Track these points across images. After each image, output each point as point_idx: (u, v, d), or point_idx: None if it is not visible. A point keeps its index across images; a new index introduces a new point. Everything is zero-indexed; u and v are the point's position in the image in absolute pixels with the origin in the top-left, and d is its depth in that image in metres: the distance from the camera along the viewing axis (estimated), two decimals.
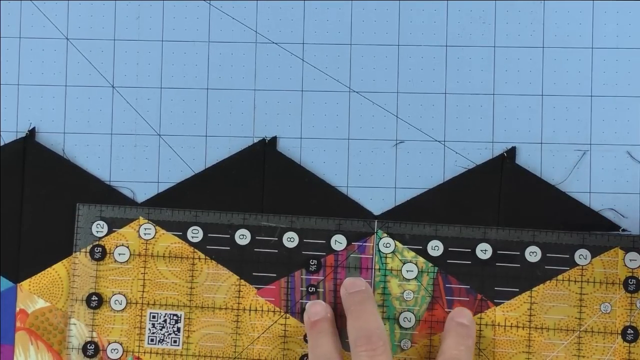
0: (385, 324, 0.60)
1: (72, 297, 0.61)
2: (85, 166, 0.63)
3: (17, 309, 0.62)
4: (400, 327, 0.60)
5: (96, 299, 0.61)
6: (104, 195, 0.62)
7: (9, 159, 0.62)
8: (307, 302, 0.61)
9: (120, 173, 0.62)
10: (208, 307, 0.61)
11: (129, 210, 0.62)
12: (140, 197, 0.62)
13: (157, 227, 0.62)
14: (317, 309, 0.60)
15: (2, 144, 0.63)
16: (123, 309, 0.61)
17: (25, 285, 0.62)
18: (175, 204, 0.62)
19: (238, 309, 0.61)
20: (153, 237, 0.61)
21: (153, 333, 0.61)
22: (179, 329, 0.61)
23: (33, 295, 0.62)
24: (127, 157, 0.62)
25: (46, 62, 0.63)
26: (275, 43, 0.62)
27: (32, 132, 0.62)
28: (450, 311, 0.60)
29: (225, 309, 0.61)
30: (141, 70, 0.63)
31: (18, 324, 0.62)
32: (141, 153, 0.62)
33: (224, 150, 0.62)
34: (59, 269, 0.62)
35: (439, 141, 0.61)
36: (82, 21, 0.63)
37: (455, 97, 0.61)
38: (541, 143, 0.61)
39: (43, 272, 0.62)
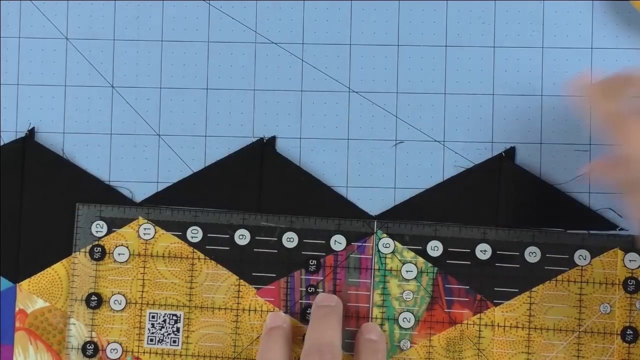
0: (384, 324, 0.60)
1: (72, 297, 0.61)
2: (84, 166, 0.63)
3: (17, 309, 0.62)
4: (400, 327, 0.60)
5: (95, 299, 0.61)
6: (104, 195, 0.62)
7: (8, 159, 0.62)
8: (269, 313, 0.61)
9: (120, 173, 0.62)
10: (207, 307, 0.61)
11: (128, 210, 0.62)
12: (140, 197, 0.62)
13: (157, 227, 0.62)
14: (276, 318, 0.60)
15: (1, 144, 0.63)
16: (122, 309, 0.61)
17: (24, 285, 0.62)
18: (172, 203, 0.62)
19: (237, 309, 0.61)
20: (152, 237, 0.61)
21: (152, 333, 0.61)
22: (178, 329, 0.61)
23: (32, 295, 0.62)
24: (126, 157, 0.62)
25: (46, 62, 0.63)
26: (275, 43, 0.62)
27: (31, 132, 0.62)
28: (450, 312, 0.60)
29: (225, 309, 0.61)
30: (141, 70, 0.63)
31: (17, 324, 0.62)
32: (140, 153, 0.62)
33: (223, 150, 0.62)
34: (58, 269, 0.62)
35: (438, 141, 0.61)
36: (82, 21, 0.63)
37: (455, 97, 0.61)
38: (541, 143, 0.61)
39: (42, 272, 0.62)
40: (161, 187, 0.62)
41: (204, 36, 0.63)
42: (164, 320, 0.61)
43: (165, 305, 0.61)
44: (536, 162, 0.61)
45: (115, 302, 0.61)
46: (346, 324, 0.60)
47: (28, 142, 0.62)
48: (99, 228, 0.62)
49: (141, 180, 0.62)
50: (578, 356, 0.60)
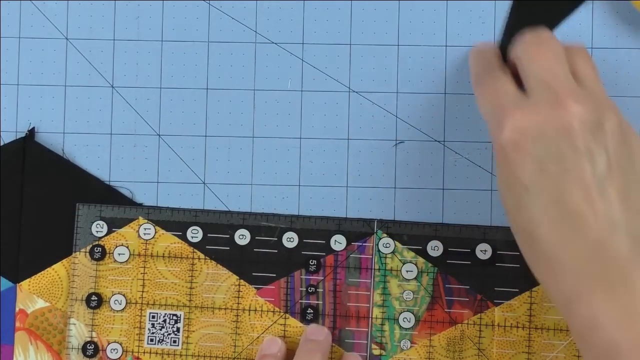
0: (385, 324, 0.60)
1: (72, 297, 0.61)
2: (85, 166, 0.63)
3: (17, 309, 0.62)
4: (400, 327, 0.60)
5: (96, 299, 0.61)
6: (104, 195, 0.62)
7: (8, 159, 0.62)
8: (265, 337, 0.60)
9: (120, 173, 0.62)
10: (207, 307, 0.61)
11: (128, 210, 0.62)
12: (140, 197, 0.62)
13: (157, 227, 0.62)
14: (271, 345, 0.59)
15: (1, 144, 0.63)
16: (123, 309, 0.61)
17: (24, 285, 0.62)
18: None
19: (237, 309, 0.61)
20: (153, 237, 0.61)
21: (152, 333, 0.61)
22: (178, 329, 0.61)
23: (33, 295, 0.62)
24: (126, 157, 0.62)
25: (46, 62, 0.63)
26: (275, 43, 0.62)
27: (31, 132, 0.62)
28: (450, 311, 0.60)
29: (225, 309, 0.61)
30: (141, 70, 0.63)
31: (17, 324, 0.62)
32: (141, 153, 0.62)
33: (224, 150, 0.62)
34: (58, 269, 0.62)
35: (438, 141, 0.61)
36: (82, 21, 0.63)
37: (455, 97, 0.61)
38: None
39: (43, 272, 0.62)
40: (161, 187, 0.62)
41: (204, 36, 0.63)
42: (164, 320, 0.61)
43: (165, 305, 0.61)
44: None
45: (116, 302, 0.61)
46: (346, 324, 0.60)
47: (28, 142, 0.62)
48: (99, 228, 0.62)
49: (141, 180, 0.62)
50: (578, 356, 0.60)
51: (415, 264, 0.61)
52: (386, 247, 0.61)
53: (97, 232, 0.62)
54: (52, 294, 0.62)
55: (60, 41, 0.63)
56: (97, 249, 0.61)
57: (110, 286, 0.61)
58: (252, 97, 0.62)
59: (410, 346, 0.60)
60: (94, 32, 0.63)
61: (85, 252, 0.61)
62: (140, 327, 0.61)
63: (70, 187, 0.62)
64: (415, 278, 0.61)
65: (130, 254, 0.61)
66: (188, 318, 0.61)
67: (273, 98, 0.62)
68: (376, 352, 0.61)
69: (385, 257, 0.61)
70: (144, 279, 0.61)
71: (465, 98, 0.61)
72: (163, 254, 0.61)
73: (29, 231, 0.62)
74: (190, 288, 0.61)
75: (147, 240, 0.62)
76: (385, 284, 0.61)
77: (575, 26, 0.61)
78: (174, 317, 0.61)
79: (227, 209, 0.62)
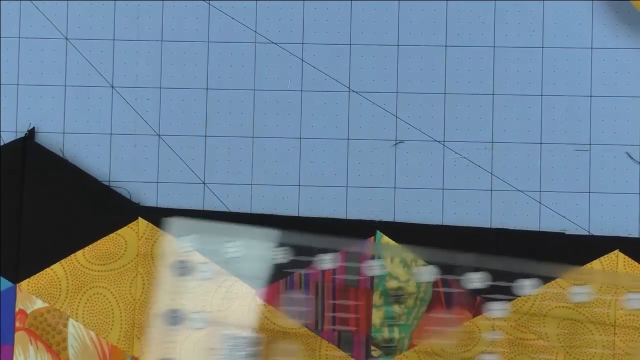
0: (384, 325, 0.60)
1: (72, 297, 0.61)
2: (84, 166, 0.63)
3: (17, 309, 0.62)
4: (400, 328, 0.60)
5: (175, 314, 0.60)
6: (103, 195, 0.62)
7: (8, 159, 0.62)
8: None
9: (120, 173, 0.62)
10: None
11: (129, 211, 0.62)
12: (140, 197, 0.62)
13: (157, 227, 0.61)
14: None
15: (1, 144, 0.63)
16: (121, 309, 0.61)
17: (24, 285, 0.62)
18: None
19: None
20: (153, 238, 0.61)
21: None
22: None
23: (32, 296, 0.62)
24: (126, 157, 0.62)
25: (46, 62, 0.63)
26: (275, 43, 0.62)
27: (31, 132, 0.62)
28: (450, 312, 0.60)
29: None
30: (140, 70, 0.63)
31: (18, 324, 0.62)
32: (141, 153, 0.62)
33: (224, 150, 0.62)
34: (57, 269, 0.62)
35: (438, 141, 0.61)
36: (82, 21, 0.63)
37: (455, 97, 0.61)
38: (541, 143, 0.61)
39: (41, 272, 0.62)
40: (161, 187, 0.62)
41: (204, 36, 0.63)
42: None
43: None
44: (536, 162, 0.61)
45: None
46: (346, 325, 0.60)
47: (28, 142, 0.62)
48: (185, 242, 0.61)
49: (141, 180, 0.62)
50: (578, 358, 0.60)
51: (416, 265, 0.61)
52: (386, 248, 0.61)
53: (182, 246, 0.60)
54: (51, 294, 0.62)
55: (60, 41, 0.63)
56: (98, 249, 0.61)
57: (110, 286, 0.61)
58: (252, 97, 0.62)
59: (410, 347, 0.60)
60: (94, 32, 0.63)
61: (170, 266, 0.61)
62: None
63: (70, 187, 0.62)
64: (416, 279, 0.61)
65: (130, 254, 0.61)
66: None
67: (273, 98, 0.62)
68: (375, 353, 0.61)
69: (386, 258, 0.61)
70: (144, 279, 0.61)
71: (465, 98, 0.61)
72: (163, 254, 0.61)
73: (29, 231, 0.62)
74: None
75: (147, 240, 0.62)
76: (385, 285, 0.61)
77: (575, 26, 0.61)
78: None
79: (227, 209, 0.62)
